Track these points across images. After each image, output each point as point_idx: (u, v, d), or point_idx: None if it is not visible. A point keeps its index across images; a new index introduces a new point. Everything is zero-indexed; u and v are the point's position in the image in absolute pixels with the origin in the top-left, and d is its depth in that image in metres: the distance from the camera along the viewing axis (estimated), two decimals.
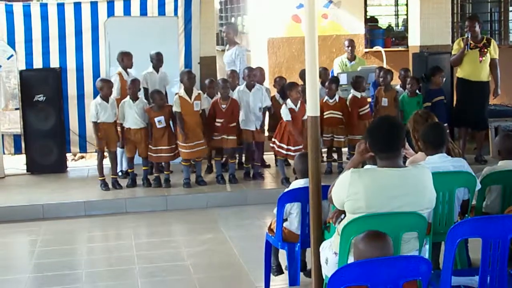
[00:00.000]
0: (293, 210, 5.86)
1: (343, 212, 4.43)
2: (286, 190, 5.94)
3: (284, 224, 5.92)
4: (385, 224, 4.14)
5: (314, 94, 5.26)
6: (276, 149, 9.60)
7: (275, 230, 5.96)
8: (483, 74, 10.36)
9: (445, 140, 5.52)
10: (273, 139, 9.72)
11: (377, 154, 4.30)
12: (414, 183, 4.24)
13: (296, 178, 6.11)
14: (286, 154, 9.50)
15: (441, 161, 5.40)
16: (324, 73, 10.83)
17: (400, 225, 4.22)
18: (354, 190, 4.17)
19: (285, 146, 9.44)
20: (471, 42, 10.26)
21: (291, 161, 9.61)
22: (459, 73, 10.61)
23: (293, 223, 5.90)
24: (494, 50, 10.35)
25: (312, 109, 5.26)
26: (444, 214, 5.43)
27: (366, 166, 4.50)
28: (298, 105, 9.34)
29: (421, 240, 4.34)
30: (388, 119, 4.60)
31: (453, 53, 10.62)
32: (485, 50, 10.27)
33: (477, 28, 10.31)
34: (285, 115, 9.43)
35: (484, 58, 10.28)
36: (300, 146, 9.22)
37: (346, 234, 4.23)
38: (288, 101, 9.43)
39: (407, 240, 4.27)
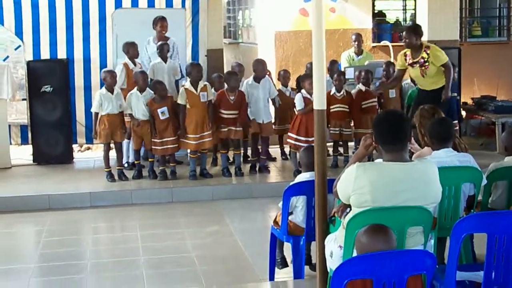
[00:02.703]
0: (299, 203, 5.87)
1: (349, 206, 4.43)
2: (292, 183, 5.94)
3: (290, 217, 5.92)
4: (390, 218, 4.14)
5: (321, 88, 5.26)
6: (292, 142, 9.58)
7: (280, 223, 5.97)
8: (432, 83, 9.48)
9: (452, 135, 5.52)
10: (289, 133, 9.74)
11: (382, 147, 4.30)
12: (420, 177, 4.24)
13: (299, 172, 6.12)
14: (298, 145, 9.47)
15: (447, 156, 5.40)
16: (333, 66, 10.82)
17: (406, 219, 4.22)
18: (360, 184, 4.17)
19: (299, 138, 9.43)
20: (410, 58, 9.39)
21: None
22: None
23: (298, 216, 5.91)
24: (436, 59, 9.29)
25: (318, 103, 5.25)
26: (449, 209, 5.43)
27: (377, 160, 4.48)
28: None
29: (426, 234, 4.33)
30: (394, 112, 4.61)
31: (397, 67, 9.91)
32: (426, 64, 9.30)
33: (414, 41, 9.30)
34: (298, 104, 9.47)
35: (426, 71, 9.36)
36: (311, 138, 9.21)
37: (351, 227, 4.23)
38: (303, 90, 9.45)
39: (412, 234, 4.27)
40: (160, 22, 10.25)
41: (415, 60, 9.34)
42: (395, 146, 4.24)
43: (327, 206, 5.23)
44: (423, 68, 9.27)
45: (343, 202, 4.50)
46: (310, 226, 5.79)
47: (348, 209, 4.47)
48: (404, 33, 9.71)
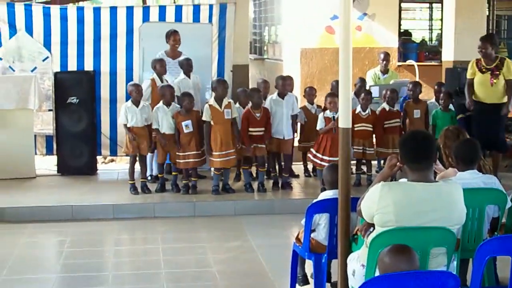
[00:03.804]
0: (321, 221, 5.87)
1: (372, 225, 4.43)
2: (315, 200, 5.94)
3: (312, 235, 5.92)
4: (414, 238, 4.14)
5: (347, 106, 5.28)
6: (312, 158, 9.63)
7: (302, 240, 5.97)
8: (495, 96, 9.87)
9: (478, 156, 5.50)
10: (310, 149, 9.79)
11: (408, 166, 4.30)
12: (445, 198, 4.23)
13: (325, 189, 6.13)
14: (319, 164, 9.49)
15: (472, 178, 5.38)
16: (361, 84, 10.83)
17: (429, 240, 4.22)
18: (384, 204, 4.17)
19: (320, 156, 9.46)
20: (483, 65, 9.85)
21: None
22: (474, 95, 10.19)
23: (320, 234, 5.91)
24: (508, 71, 9.80)
25: (344, 121, 5.27)
26: (473, 230, 5.40)
27: (402, 180, 4.48)
28: (337, 114, 9.36)
29: (449, 256, 4.32)
30: (421, 132, 4.61)
31: (467, 76, 10.14)
32: (497, 72, 9.78)
33: (490, 50, 9.80)
34: (319, 123, 9.53)
35: (496, 80, 9.79)
36: (336, 158, 9.24)
37: (374, 246, 4.22)
38: (327, 110, 9.48)
39: (436, 255, 4.26)
40: (172, 36, 10.31)
41: (488, 67, 9.73)
42: (420, 165, 4.24)
43: (350, 224, 5.23)
44: (493, 76, 9.59)
45: (366, 221, 4.50)
46: (332, 244, 5.79)
47: (372, 228, 4.47)
48: (480, 43, 9.94)
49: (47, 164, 11.30)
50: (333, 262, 5.88)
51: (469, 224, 5.34)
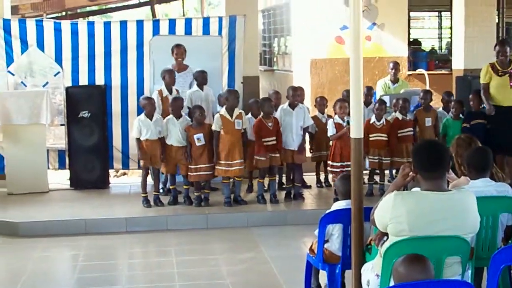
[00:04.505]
0: (335, 231, 5.87)
1: (386, 234, 4.43)
2: (328, 211, 5.95)
3: (325, 245, 5.92)
4: (428, 247, 4.13)
5: (358, 116, 5.29)
6: (330, 169, 9.68)
7: (316, 251, 5.97)
8: None
9: (490, 164, 5.49)
10: (328, 162, 9.81)
11: (421, 174, 4.31)
12: (458, 207, 4.23)
13: (338, 199, 6.13)
14: (331, 171, 9.49)
15: (485, 186, 5.37)
16: (368, 93, 10.83)
17: (443, 249, 4.21)
18: (397, 213, 4.18)
19: (336, 164, 9.48)
20: (499, 68, 9.86)
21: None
22: (491, 99, 10.29)
23: (334, 244, 5.91)
24: None
25: (356, 131, 5.28)
26: (487, 239, 5.39)
27: (415, 189, 4.48)
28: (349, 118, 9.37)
29: (464, 264, 4.32)
30: (434, 140, 4.62)
31: (481, 81, 10.09)
32: None
33: (508, 53, 9.91)
34: (330, 130, 9.54)
35: None
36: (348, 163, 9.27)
37: (388, 256, 4.22)
38: (335, 116, 9.50)
39: (450, 264, 4.26)
40: (175, 49, 10.33)
41: (505, 70, 9.76)
42: (433, 174, 4.25)
43: (364, 234, 5.23)
44: None
45: (380, 230, 4.50)
46: (345, 254, 5.78)
47: (385, 237, 4.46)
48: (497, 47, 10.00)
49: (59, 178, 11.36)
50: (346, 272, 5.88)
51: (483, 232, 5.33)
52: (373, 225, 4.61)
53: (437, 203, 4.19)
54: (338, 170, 9.50)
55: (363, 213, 5.19)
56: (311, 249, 6.15)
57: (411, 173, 4.48)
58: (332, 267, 5.88)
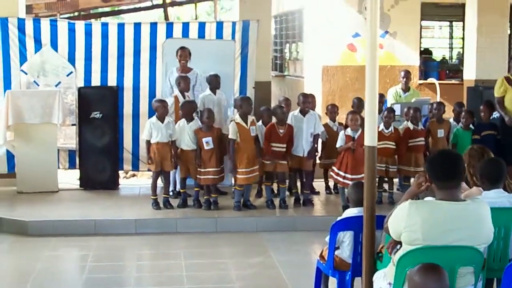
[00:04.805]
0: (346, 238, 5.88)
1: (399, 242, 4.44)
2: (339, 218, 5.96)
3: (336, 252, 5.93)
4: (441, 257, 4.14)
5: (373, 124, 5.31)
6: (334, 176, 9.65)
7: (326, 258, 5.98)
8: None
9: (503, 175, 5.48)
10: (332, 167, 9.78)
11: (436, 184, 4.32)
12: (473, 217, 4.24)
13: (349, 207, 6.14)
14: (342, 182, 9.50)
15: (498, 197, 5.36)
16: (380, 100, 10.81)
17: (457, 259, 4.22)
18: (412, 222, 4.19)
19: (342, 174, 9.47)
20: None
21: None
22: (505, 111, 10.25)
23: (345, 251, 5.92)
24: None
25: (369, 139, 5.30)
26: (498, 250, 5.38)
27: (427, 198, 4.49)
28: (358, 132, 9.37)
29: (477, 275, 4.33)
30: (449, 150, 4.63)
31: (496, 95, 10.15)
32: None
33: None
34: (339, 141, 9.55)
35: None
36: (359, 176, 9.26)
37: (401, 265, 4.23)
38: (348, 128, 9.51)
39: (463, 274, 4.27)
40: (179, 52, 10.36)
41: None
42: (448, 184, 4.26)
43: (375, 242, 5.24)
44: None
45: (393, 239, 4.51)
46: (356, 262, 5.79)
47: (399, 246, 4.47)
48: None
49: (68, 178, 11.38)
50: (356, 279, 5.89)
51: (495, 243, 5.31)
52: (386, 233, 4.62)
53: (451, 213, 4.20)
54: (342, 180, 9.50)
55: (375, 221, 5.20)
56: (321, 256, 6.16)
57: (426, 182, 4.48)
58: (342, 274, 5.88)
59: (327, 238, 5.90)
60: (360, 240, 5.67)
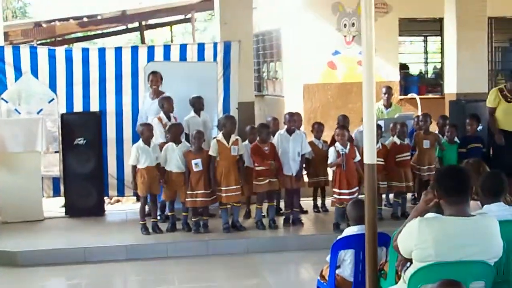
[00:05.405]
0: (347, 257, 5.86)
1: (409, 260, 4.42)
2: (340, 237, 5.93)
3: (337, 271, 5.90)
4: (453, 272, 4.13)
5: (371, 142, 5.31)
6: (336, 197, 9.55)
7: (327, 277, 5.95)
8: None
9: (505, 188, 5.48)
10: (333, 189, 9.70)
11: (445, 199, 4.31)
12: (483, 232, 4.25)
13: (349, 225, 6.12)
14: (339, 199, 9.46)
15: (499, 210, 5.35)
16: (344, 121, 10.69)
17: (469, 273, 4.22)
18: (423, 239, 4.18)
19: (337, 191, 9.44)
20: (507, 94, 10.06)
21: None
22: (496, 123, 10.31)
23: (346, 270, 5.90)
24: None
25: (369, 157, 5.31)
26: (501, 263, 5.37)
27: (428, 215, 4.47)
28: (347, 147, 9.37)
29: None
30: (456, 166, 4.63)
31: (488, 105, 10.25)
32: None
33: None
34: (330, 157, 9.56)
35: None
36: (353, 190, 9.26)
37: (414, 282, 4.22)
38: (337, 144, 9.49)
39: None
40: (151, 76, 10.40)
41: None
42: (458, 199, 4.27)
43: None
44: None
45: (403, 256, 4.48)
46: (357, 280, 5.78)
47: (408, 263, 4.45)
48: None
49: (53, 206, 11.24)
50: None
51: None
52: (396, 251, 4.60)
53: (462, 228, 4.20)
54: (347, 197, 9.43)
55: (377, 238, 5.19)
56: (321, 275, 6.13)
57: (433, 198, 4.47)
58: None
59: (328, 257, 5.87)
60: (361, 258, 5.66)
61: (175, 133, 9.57)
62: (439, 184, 4.36)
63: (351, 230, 5.93)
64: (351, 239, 5.80)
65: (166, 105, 10.07)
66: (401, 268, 4.60)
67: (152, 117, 10.21)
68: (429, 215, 4.50)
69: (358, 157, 9.45)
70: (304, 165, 10.08)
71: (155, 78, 10.36)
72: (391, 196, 10.55)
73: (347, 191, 9.34)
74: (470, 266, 4.22)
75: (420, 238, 4.18)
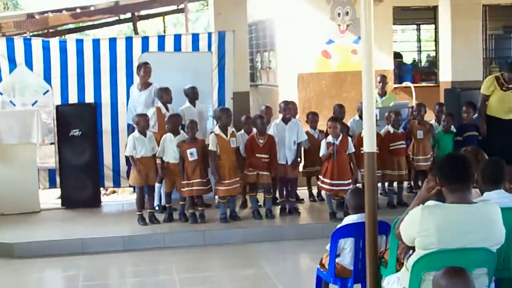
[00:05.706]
0: (347, 245, 5.86)
1: (411, 247, 4.42)
2: (339, 225, 5.93)
3: (337, 260, 5.91)
4: (456, 259, 4.13)
5: (371, 130, 5.30)
6: (320, 185, 9.64)
7: (327, 265, 5.95)
8: None
9: (505, 176, 5.48)
10: (319, 176, 9.75)
11: (448, 187, 4.31)
12: (485, 219, 4.26)
13: (348, 214, 6.12)
14: (329, 189, 9.47)
15: (500, 197, 5.35)
16: (340, 110, 10.75)
17: (471, 260, 4.22)
18: (425, 227, 4.18)
19: (327, 181, 9.43)
20: (503, 83, 9.93)
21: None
22: (489, 111, 10.27)
23: (346, 259, 5.89)
24: None
25: (369, 145, 5.30)
26: (502, 250, 5.38)
27: (429, 202, 4.47)
28: (339, 139, 9.37)
29: (490, 276, 4.34)
30: (458, 154, 4.63)
31: (482, 92, 10.21)
32: None
33: None
34: (321, 149, 9.51)
35: None
36: (345, 181, 9.26)
37: (416, 269, 4.22)
38: (329, 136, 9.49)
39: (477, 276, 4.26)
40: (143, 67, 10.35)
41: (509, 86, 9.84)
42: (460, 186, 4.27)
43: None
44: None
45: (406, 244, 4.49)
46: (357, 268, 5.78)
47: (411, 251, 4.46)
48: (506, 66, 10.06)
49: (49, 197, 11.22)
50: (355, 286, 5.86)
51: None
52: (398, 238, 4.60)
53: (465, 215, 4.20)
54: (327, 187, 9.46)
55: (377, 227, 5.20)
56: (321, 264, 6.12)
57: (435, 186, 4.47)
58: (344, 281, 5.86)
59: (328, 246, 5.87)
60: (360, 246, 5.67)
61: (174, 123, 9.54)
62: (440, 171, 4.36)
63: (350, 219, 5.93)
64: (351, 228, 5.80)
65: (165, 96, 10.06)
66: (404, 256, 4.61)
67: (141, 108, 10.19)
68: (430, 202, 4.51)
69: (351, 149, 9.46)
70: (300, 154, 10.09)
71: (148, 69, 10.32)
72: (386, 184, 10.55)
73: (336, 182, 9.33)
74: (473, 253, 4.22)
75: (422, 225, 4.19)
